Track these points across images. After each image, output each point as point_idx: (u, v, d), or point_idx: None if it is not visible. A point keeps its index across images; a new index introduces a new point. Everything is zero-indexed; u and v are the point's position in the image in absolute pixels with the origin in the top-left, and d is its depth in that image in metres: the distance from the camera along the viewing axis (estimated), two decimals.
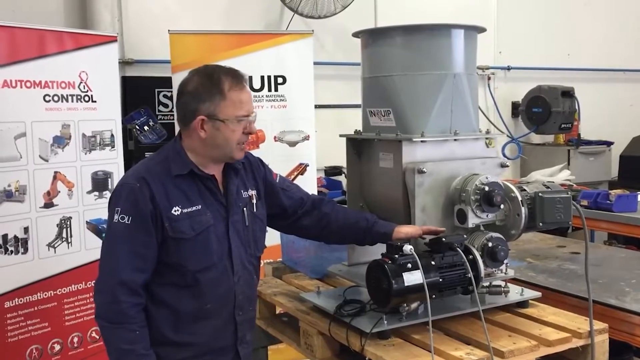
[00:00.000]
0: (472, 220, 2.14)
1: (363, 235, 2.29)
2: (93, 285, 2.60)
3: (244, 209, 2.14)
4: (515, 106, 6.77)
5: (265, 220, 2.25)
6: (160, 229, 1.97)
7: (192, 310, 2.03)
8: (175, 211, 1.98)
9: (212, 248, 2.03)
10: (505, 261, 2.17)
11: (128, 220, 1.94)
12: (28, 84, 3.59)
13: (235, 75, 2.04)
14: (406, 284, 1.94)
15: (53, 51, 3.70)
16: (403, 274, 1.95)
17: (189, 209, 2.01)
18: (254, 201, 2.19)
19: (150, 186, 1.96)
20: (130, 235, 1.94)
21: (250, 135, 2.08)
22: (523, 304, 2.31)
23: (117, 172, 3.98)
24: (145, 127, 4.81)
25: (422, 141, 2.23)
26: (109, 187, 3.95)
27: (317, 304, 2.32)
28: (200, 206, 2.03)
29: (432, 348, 1.89)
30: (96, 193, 3.91)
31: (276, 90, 4.67)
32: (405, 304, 2.03)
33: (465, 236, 2.14)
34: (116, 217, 1.95)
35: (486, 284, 2.22)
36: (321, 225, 2.32)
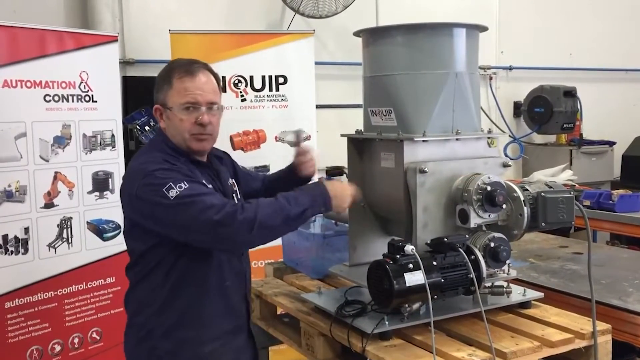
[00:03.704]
0: (474, 220, 2.13)
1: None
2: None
3: (233, 195, 2.24)
4: (517, 106, 6.76)
5: None
6: None
7: (215, 286, 2.09)
8: (206, 184, 2.05)
9: None
10: (507, 261, 2.15)
11: (185, 185, 1.91)
12: (28, 84, 3.58)
13: (188, 64, 2.09)
14: (408, 285, 1.93)
15: (53, 51, 3.69)
16: (404, 274, 1.94)
17: (210, 187, 2.07)
18: (236, 188, 2.30)
19: (176, 164, 2.01)
20: (196, 189, 1.93)
21: (207, 127, 2.08)
22: (525, 304, 2.29)
23: (118, 172, 3.97)
24: (146, 127, 4.80)
25: (423, 141, 2.22)
26: (110, 187, 3.94)
27: (318, 305, 2.31)
28: (212, 187, 2.10)
29: (434, 349, 1.88)
30: (97, 193, 3.91)
31: (277, 90, 4.66)
32: (406, 305, 2.01)
33: (467, 236, 2.13)
34: (173, 192, 1.89)
35: (488, 284, 2.21)
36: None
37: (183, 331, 2.07)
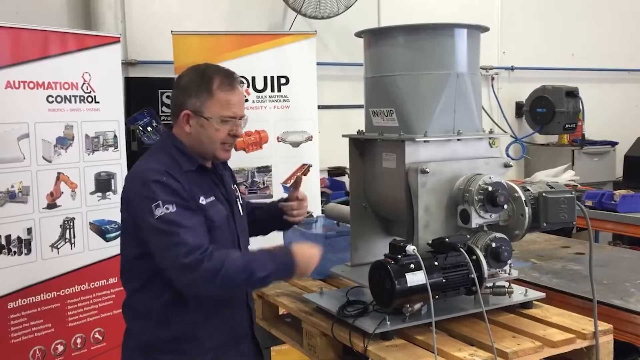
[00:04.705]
0: (476, 221, 2.13)
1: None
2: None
3: (237, 200, 2.25)
4: (519, 106, 6.76)
5: None
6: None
7: (215, 298, 2.07)
8: (202, 201, 2.04)
9: (230, 237, 2.14)
10: (509, 262, 2.15)
11: (173, 208, 1.92)
12: (31, 85, 3.59)
13: (227, 76, 2.08)
14: (409, 285, 1.94)
15: (56, 52, 3.69)
16: (406, 274, 1.94)
17: (209, 200, 2.07)
18: (238, 194, 2.30)
19: (176, 178, 1.99)
20: (181, 217, 1.93)
21: (236, 138, 2.13)
22: (527, 304, 2.30)
23: (120, 173, 3.98)
24: (149, 128, 4.81)
25: (425, 141, 2.22)
26: (112, 188, 3.95)
27: (320, 305, 2.32)
28: (213, 197, 2.10)
29: (435, 349, 1.88)
30: (99, 194, 3.91)
31: (279, 90, 4.67)
32: (408, 305, 2.02)
33: (468, 237, 2.13)
34: (159, 211, 1.91)
35: (490, 284, 2.21)
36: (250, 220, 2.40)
37: (181, 344, 2.05)
